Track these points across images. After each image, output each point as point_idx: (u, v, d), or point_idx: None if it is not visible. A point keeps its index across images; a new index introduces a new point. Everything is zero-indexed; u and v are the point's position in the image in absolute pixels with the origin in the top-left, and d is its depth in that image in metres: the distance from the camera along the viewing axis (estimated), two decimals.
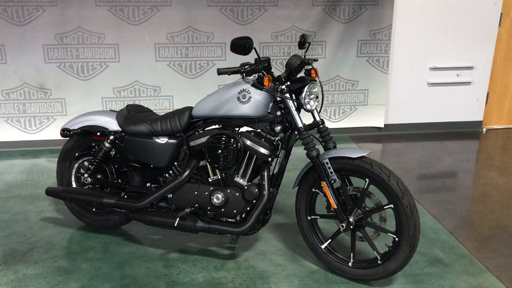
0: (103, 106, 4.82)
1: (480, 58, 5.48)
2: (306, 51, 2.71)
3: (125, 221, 3.03)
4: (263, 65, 2.46)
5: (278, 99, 2.59)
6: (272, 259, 2.76)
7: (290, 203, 3.45)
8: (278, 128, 2.55)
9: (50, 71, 4.68)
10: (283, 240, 2.98)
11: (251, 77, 2.54)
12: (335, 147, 2.56)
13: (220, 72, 2.43)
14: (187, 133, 2.76)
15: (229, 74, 2.44)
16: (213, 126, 2.74)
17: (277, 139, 2.62)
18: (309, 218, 2.64)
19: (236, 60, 4.97)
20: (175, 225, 2.58)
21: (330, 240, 2.62)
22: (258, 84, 2.46)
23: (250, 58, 2.58)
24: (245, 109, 2.53)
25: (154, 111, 3.07)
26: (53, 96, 4.77)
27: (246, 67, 2.45)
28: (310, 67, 2.60)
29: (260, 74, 2.49)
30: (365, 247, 2.74)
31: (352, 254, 2.54)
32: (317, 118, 2.57)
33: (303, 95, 2.46)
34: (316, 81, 2.54)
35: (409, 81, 5.44)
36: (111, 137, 2.81)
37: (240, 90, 2.54)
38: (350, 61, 5.17)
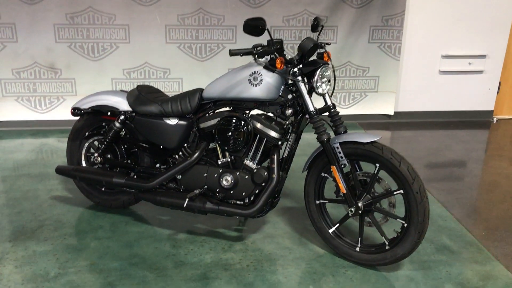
0: (113, 87, 4.81)
1: (493, 47, 5.38)
2: (319, 34, 2.67)
3: (134, 201, 3.04)
4: (275, 47, 2.42)
5: (290, 82, 2.56)
6: (279, 242, 2.77)
7: (299, 187, 3.44)
8: (289, 112, 2.53)
9: (60, 51, 4.67)
10: (291, 224, 2.98)
11: (263, 59, 2.51)
12: (345, 132, 2.53)
13: (232, 53, 2.40)
14: (197, 115, 2.75)
15: (241, 55, 2.41)
16: (223, 109, 2.72)
17: (287, 122, 2.60)
18: (317, 202, 2.63)
19: (247, 43, 4.96)
20: (184, 205, 2.59)
21: (338, 224, 2.61)
22: (270, 66, 2.43)
23: (263, 40, 2.55)
24: (256, 92, 2.51)
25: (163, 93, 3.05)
26: (64, 76, 4.76)
27: (258, 48, 2.42)
28: (323, 50, 2.57)
29: (273, 56, 2.46)
30: (372, 232, 2.73)
31: (359, 239, 2.53)
32: (329, 102, 2.54)
33: (315, 78, 2.43)
34: (328, 64, 2.50)
35: (421, 69, 5.37)
36: (122, 117, 2.81)
37: (252, 72, 2.51)
38: (362, 47, 5.10)
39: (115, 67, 4.77)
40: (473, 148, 4.68)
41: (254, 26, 2.32)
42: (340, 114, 2.57)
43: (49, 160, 4.04)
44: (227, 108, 2.71)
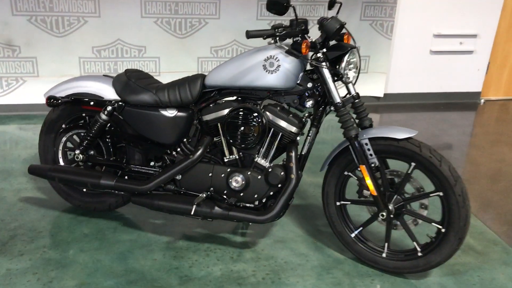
0: (81, 67, 4.35)
1: (484, 26, 5.31)
2: (337, 13, 2.38)
3: (122, 203, 2.68)
4: (300, 27, 2.11)
5: (308, 67, 2.27)
6: (293, 247, 2.51)
7: (304, 182, 3.18)
8: (309, 103, 2.25)
9: (18, 25, 4.14)
10: (301, 225, 2.73)
11: (285, 42, 2.19)
12: (371, 125, 2.29)
13: (251, 34, 2.07)
14: (199, 105, 2.40)
15: (264, 38, 2.08)
16: (230, 98, 2.39)
17: (306, 115, 2.32)
18: (338, 204, 2.39)
19: (232, 18, 4.67)
20: (192, 213, 2.26)
21: (361, 228, 2.38)
22: (294, 51, 2.12)
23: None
24: (272, 80, 2.20)
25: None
26: (23, 55, 4.25)
27: (280, 29, 2.09)
28: (345, 31, 2.28)
29: (297, 38, 2.14)
30: (399, 235, 2.52)
31: (386, 244, 2.32)
32: (353, 92, 2.28)
33: (343, 65, 2.15)
34: (356, 48, 2.22)
35: (412, 49, 5.21)
36: (109, 108, 2.42)
37: (267, 57, 2.19)
38: (353, 25, 4.86)
39: (83, 44, 4.30)
40: (469, 132, 4.60)
41: (278, 3, 1.99)
42: (365, 104, 2.32)
43: (11, 153, 3.57)
44: (234, 98, 2.39)
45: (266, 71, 2.20)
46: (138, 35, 4.41)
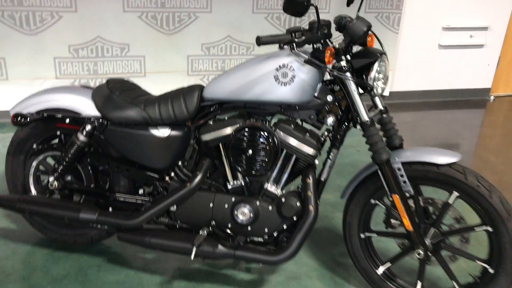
0: (56, 68, 3.96)
1: (496, 18, 5.07)
2: (359, 10, 2.06)
3: (106, 235, 2.33)
4: (322, 31, 1.76)
5: (327, 76, 1.94)
6: (308, 285, 2.19)
7: None
8: (330, 120, 1.92)
9: None
10: (316, 255, 2.41)
11: (303, 48, 1.84)
12: (401, 144, 1.97)
13: (263, 41, 1.72)
14: (196, 122, 2.06)
15: (281, 47, 1.73)
16: (233, 113, 2.05)
17: (325, 133, 1.99)
18: (362, 236, 2.08)
19: (225, 12, 4.33)
20: (192, 257, 1.92)
21: (389, 264, 2.07)
22: (316, 61, 1.78)
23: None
24: (286, 93, 1.87)
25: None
26: None
27: (298, 34, 1.74)
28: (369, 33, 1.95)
29: (319, 45, 1.80)
30: (434, 271, 2.21)
31: (420, 283, 2.02)
32: (380, 105, 1.95)
33: (372, 75, 1.82)
34: (385, 55, 1.89)
35: (420, 43, 4.92)
36: (88, 127, 2.06)
37: (279, 66, 1.85)
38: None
39: (58, 43, 3.93)
40: (484, 134, 4.33)
41: (296, 2, 1.64)
42: (394, 120, 1.99)
43: None
44: (237, 113, 2.05)
45: (279, 83, 1.87)
46: (120, 32, 4.05)
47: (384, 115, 1.97)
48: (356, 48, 1.92)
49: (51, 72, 3.95)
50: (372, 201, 2.01)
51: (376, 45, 1.94)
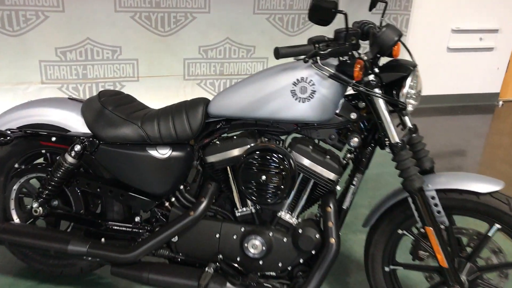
0: (42, 72, 3.74)
1: (507, 20, 4.92)
2: (383, 15, 1.86)
3: (98, 265, 2.10)
4: (350, 42, 1.55)
5: (349, 90, 1.73)
6: None
7: None
8: (355, 141, 1.71)
9: None
10: (329, 286, 2.20)
11: (327, 61, 1.63)
12: (432, 168, 1.76)
13: (282, 53, 1.51)
14: (200, 141, 1.84)
15: (305, 60, 1.52)
16: (242, 131, 1.83)
17: (348, 155, 1.78)
18: (387, 269, 1.88)
19: (225, 13, 4.14)
20: None
21: None
22: (344, 76, 1.57)
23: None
24: (304, 110, 1.67)
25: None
26: None
27: (322, 45, 1.53)
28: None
29: (345, 58, 1.59)
30: None
31: None
32: (409, 124, 1.75)
33: (405, 91, 1.61)
34: (417, 67, 1.69)
35: (428, 46, 4.76)
36: (77, 148, 1.83)
37: (297, 80, 1.65)
38: (363, 17, 4.31)
39: (44, 45, 3.70)
40: (497, 143, 4.16)
41: (325, 9, 1.43)
42: (423, 140, 1.79)
43: None
44: (245, 130, 1.83)
45: (296, 99, 1.66)
46: (111, 33, 3.84)
47: (414, 135, 1.76)
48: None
49: (37, 76, 3.72)
50: (400, 231, 1.82)
51: (402, 55, 1.75)
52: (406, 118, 1.75)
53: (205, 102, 1.85)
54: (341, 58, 1.61)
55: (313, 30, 4.23)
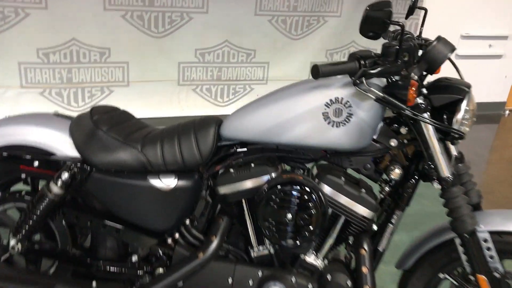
0: (22, 76, 3.48)
1: None
2: (422, 25, 1.66)
3: None
4: (402, 58, 1.32)
5: (387, 112, 1.51)
6: None
7: None
8: (396, 172, 1.49)
9: None
10: None
11: (373, 80, 1.40)
12: (479, 204, 1.55)
13: (323, 72, 1.27)
14: (211, 169, 1.59)
15: (355, 83, 1.28)
16: (259, 157, 1.59)
17: (386, 188, 1.55)
18: None
19: (222, 14, 3.90)
20: None
21: None
22: (395, 101, 1.33)
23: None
24: (338, 136, 1.45)
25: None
26: None
27: (369, 61, 1.29)
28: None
29: (396, 78, 1.35)
30: None
31: None
32: (454, 152, 1.52)
33: (460, 116, 1.38)
34: (471, 88, 1.48)
35: None
36: (65, 176, 1.57)
37: (330, 101, 1.42)
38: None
39: (24, 45, 3.41)
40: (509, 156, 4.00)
41: (377, 19, 1.20)
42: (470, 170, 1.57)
43: None
44: (261, 155, 1.59)
45: (329, 123, 1.43)
46: (100, 34, 3.61)
47: (460, 165, 1.54)
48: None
49: (15, 80, 3.44)
50: (441, 275, 1.60)
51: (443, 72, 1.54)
52: (451, 146, 1.53)
53: (217, 122, 1.60)
54: (392, 78, 1.37)
55: (318, 34, 4.01)
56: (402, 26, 1.27)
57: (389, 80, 1.38)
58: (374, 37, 1.28)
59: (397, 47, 1.30)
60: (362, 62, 1.28)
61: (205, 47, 3.82)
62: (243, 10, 3.77)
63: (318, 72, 1.26)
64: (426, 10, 1.69)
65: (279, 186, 1.45)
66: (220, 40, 3.83)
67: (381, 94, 1.34)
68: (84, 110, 3.62)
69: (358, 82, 1.27)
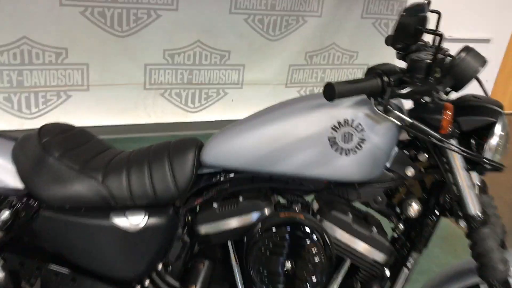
0: None
1: (499, 30, 4.75)
2: (437, 27, 1.47)
3: None
4: (435, 76, 1.09)
5: (402, 135, 1.29)
6: None
7: None
8: (414, 208, 1.28)
9: None
10: None
11: (398, 102, 1.17)
12: (503, 241, 1.35)
13: (340, 92, 1.03)
14: (190, 202, 1.34)
15: (380, 104, 1.05)
16: (248, 189, 1.34)
17: (402, 227, 1.33)
18: None
19: (195, 10, 3.60)
20: None
21: None
22: (425, 127, 1.10)
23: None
24: (348, 166, 1.23)
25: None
26: None
27: (393, 78, 1.06)
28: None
29: (427, 99, 1.12)
30: None
31: None
32: (477, 181, 1.32)
33: (493, 142, 1.17)
34: (503, 112, 1.27)
35: None
36: (5, 214, 1.28)
37: (338, 124, 1.19)
38: (352, 24, 4.08)
39: None
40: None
41: (409, 27, 0.97)
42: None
43: None
44: (251, 186, 1.35)
45: (337, 150, 1.20)
46: (55, 32, 3.29)
47: (483, 195, 1.33)
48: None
49: None
50: None
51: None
52: (474, 174, 1.31)
53: (197, 145, 1.34)
54: (423, 99, 1.14)
55: (297, 35, 3.80)
56: (441, 36, 1.04)
57: (418, 102, 1.14)
58: (403, 50, 1.05)
59: (429, 61, 1.06)
60: (386, 79, 1.04)
61: (174, 47, 3.55)
62: (217, 7, 3.51)
63: (334, 92, 1.01)
64: (439, 14, 1.47)
65: (274, 229, 1.21)
66: (191, 40, 3.57)
67: (409, 120, 1.11)
68: (38, 117, 3.29)
69: (381, 103, 1.03)
